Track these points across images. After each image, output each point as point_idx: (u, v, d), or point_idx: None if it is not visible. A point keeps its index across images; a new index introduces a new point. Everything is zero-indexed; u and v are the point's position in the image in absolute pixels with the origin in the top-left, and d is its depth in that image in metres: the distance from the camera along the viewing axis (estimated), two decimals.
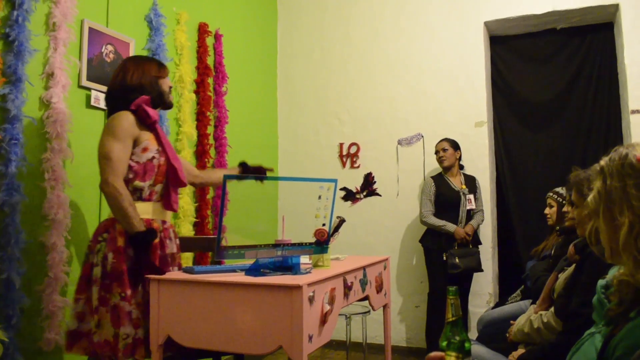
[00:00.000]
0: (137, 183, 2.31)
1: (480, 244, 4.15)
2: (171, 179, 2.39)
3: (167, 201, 2.40)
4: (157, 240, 2.33)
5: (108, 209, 2.85)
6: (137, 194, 2.32)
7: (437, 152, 4.20)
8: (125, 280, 2.19)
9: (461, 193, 4.08)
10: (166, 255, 2.40)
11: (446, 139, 4.21)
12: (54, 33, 2.64)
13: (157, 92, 2.43)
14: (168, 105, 2.54)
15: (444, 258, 3.95)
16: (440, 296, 3.92)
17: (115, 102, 2.39)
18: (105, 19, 3.07)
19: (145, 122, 2.35)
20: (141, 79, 2.38)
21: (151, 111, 2.36)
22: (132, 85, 2.37)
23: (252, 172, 2.93)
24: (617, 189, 1.09)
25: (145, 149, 2.33)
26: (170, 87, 2.54)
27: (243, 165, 2.96)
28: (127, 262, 2.23)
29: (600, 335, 1.18)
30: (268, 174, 3.07)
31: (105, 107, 2.91)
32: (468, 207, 4.06)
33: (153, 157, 2.34)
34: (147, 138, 2.35)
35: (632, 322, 1.04)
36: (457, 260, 3.91)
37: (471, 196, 4.09)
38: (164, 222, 2.42)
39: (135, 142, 2.31)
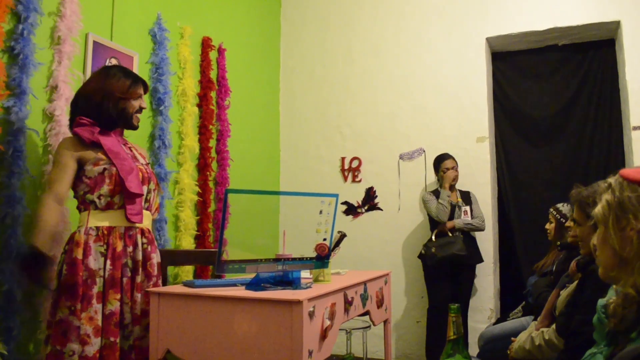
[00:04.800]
0: (88, 196, 2.26)
1: (482, 261, 4.13)
2: (124, 189, 2.27)
3: (124, 211, 2.29)
4: (120, 249, 2.24)
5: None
6: (93, 206, 2.26)
7: (444, 171, 4.14)
8: (78, 293, 2.12)
9: (457, 206, 4.08)
10: (136, 262, 2.31)
11: (452, 157, 4.21)
12: (59, 46, 2.66)
13: (120, 115, 2.37)
14: (131, 127, 2.45)
15: (422, 252, 4.01)
16: (439, 312, 3.90)
17: (72, 112, 2.37)
18: (110, 32, 3.10)
19: (85, 143, 2.28)
20: (109, 106, 2.33)
21: (83, 133, 2.27)
22: (98, 109, 2.32)
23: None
24: (630, 198, 1.10)
25: (96, 163, 2.26)
26: (142, 108, 2.44)
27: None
28: (84, 273, 2.16)
29: (602, 356, 1.17)
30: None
31: None
32: (464, 218, 4.06)
33: (105, 169, 2.26)
34: (96, 154, 2.29)
35: (633, 343, 1.04)
36: (433, 250, 3.94)
37: (467, 208, 4.09)
38: (128, 228, 2.30)
39: (83, 161, 2.27)
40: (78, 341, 2.08)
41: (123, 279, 2.24)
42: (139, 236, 2.34)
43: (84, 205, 2.28)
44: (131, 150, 2.46)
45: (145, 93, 2.49)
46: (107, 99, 2.32)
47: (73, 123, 2.33)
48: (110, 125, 2.36)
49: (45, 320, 2.19)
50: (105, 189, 2.25)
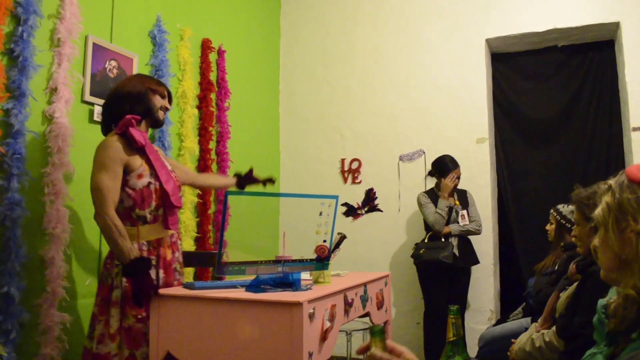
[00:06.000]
0: (139, 212, 2.31)
1: (478, 262, 4.10)
2: (165, 201, 2.38)
3: (165, 222, 2.40)
4: (170, 256, 2.39)
5: None
6: (142, 220, 2.33)
7: (452, 179, 4.03)
8: (142, 303, 2.20)
9: (454, 210, 4.03)
10: (180, 263, 2.51)
11: (457, 164, 4.09)
12: (58, 49, 2.66)
13: (146, 105, 2.41)
14: (155, 123, 2.51)
15: (412, 251, 4.00)
16: (436, 316, 3.90)
17: (105, 114, 2.44)
18: (109, 34, 3.10)
19: (134, 146, 2.32)
20: (131, 88, 2.39)
21: (137, 135, 2.32)
22: (120, 94, 2.39)
23: (247, 181, 2.98)
24: (629, 200, 1.10)
25: (140, 176, 2.32)
26: (166, 108, 2.52)
27: (238, 177, 3.00)
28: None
29: (602, 356, 1.17)
30: (268, 187, 3.07)
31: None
32: (462, 223, 4.00)
33: (149, 183, 2.33)
34: (140, 163, 2.33)
35: (634, 344, 1.03)
36: (421, 251, 3.91)
37: (464, 212, 4.02)
38: (171, 236, 2.45)
39: (128, 168, 2.30)
40: (147, 344, 2.18)
41: (174, 282, 2.41)
42: (178, 242, 2.51)
43: (130, 220, 2.31)
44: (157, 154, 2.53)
45: (169, 99, 2.57)
46: (136, 89, 2.39)
47: (117, 122, 2.34)
48: (139, 120, 2.41)
49: (113, 328, 2.22)
50: (153, 205, 2.34)
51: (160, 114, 2.49)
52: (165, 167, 2.45)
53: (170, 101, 2.58)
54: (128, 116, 2.32)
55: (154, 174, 2.35)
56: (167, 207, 2.38)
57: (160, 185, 2.35)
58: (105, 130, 2.44)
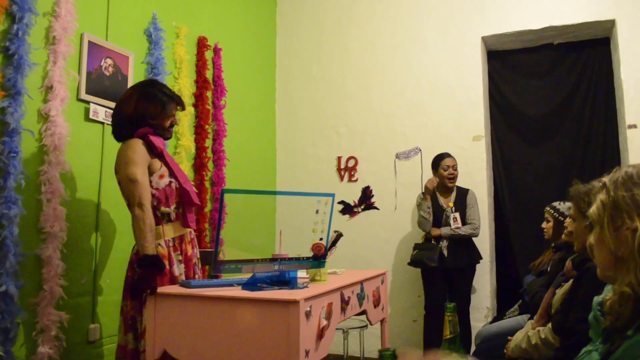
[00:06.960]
0: (164, 209, 2.43)
1: (477, 262, 4.07)
2: (185, 200, 2.50)
3: (184, 220, 2.51)
4: (190, 252, 2.53)
5: (104, 222, 2.86)
6: (166, 218, 2.45)
7: (445, 169, 4.05)
8: None
9: (445, 214, 4.00)
10: (198, 259, 2.63)
11: (452, 156, 4.11)
12: (54, 47, 2.65)
13: (154, 127, 2.51)
14: (164, 138, 2.61)
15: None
16: (434, 313, 3.93)
17: (119, 129, 2.51)
18: (105, 32, 3.09)
19: (154, 151, 2.45)
20: (141, 118, 2.47)
21: (157, 141, 2.46)
22: (126, 120, 2.47)
23: None
24: (624, 197, 1.10)
25: (162, 176, 2.44)
26: (173, 124, 2.61)
27: None
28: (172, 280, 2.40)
29: (597, 353, 1.17)
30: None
31: (103, 121, 2.94)
32: (453, 226, 3.96)
33: (171, 182, 2.45)
34: (160, 165, 2.46)
35: (629, 340, 1.04)
36: (414, 252, 4.01)
37: (456, 214, 3.98)
38: (190, 233, 2.57)
39: (150, 169, 2.42)
40: None
41: (195, 276, 2.55)
42: (194, 239, 2.63)
43: (155, 219, 2.41)
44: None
45: (182, 110, 2.71)
46: (139, 121, 2.46)
47: (136, 127, 2.45)
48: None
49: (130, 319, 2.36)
50: (174, 203, 2.47)
51: (168, 132, 2.60)
52: (181, 170, 2.59)
53: (182, 107, 2.70)
54: (147, 126, 2.46)
55: (173, 175, 2.48)
56: (185, 206, 2.51)
57: (179, 185, 2.48)
58: (117, 136, 2.51)
